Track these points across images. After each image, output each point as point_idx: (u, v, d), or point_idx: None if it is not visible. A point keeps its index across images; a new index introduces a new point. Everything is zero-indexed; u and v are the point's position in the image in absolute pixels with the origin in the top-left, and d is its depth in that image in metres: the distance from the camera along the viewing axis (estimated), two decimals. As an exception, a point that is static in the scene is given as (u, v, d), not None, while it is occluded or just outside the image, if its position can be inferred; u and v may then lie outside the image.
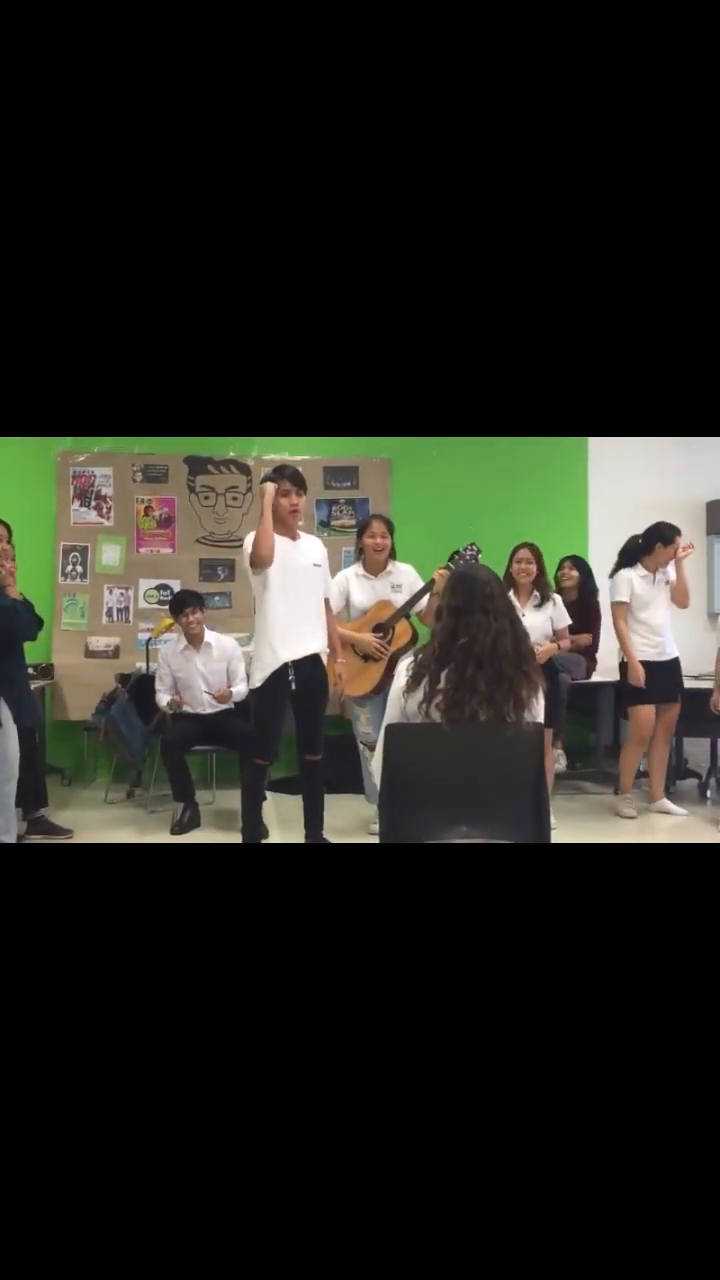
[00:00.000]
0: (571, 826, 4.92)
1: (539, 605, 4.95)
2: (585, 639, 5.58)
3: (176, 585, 6.14)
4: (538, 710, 2.48)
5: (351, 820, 4.91)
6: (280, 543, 4.10)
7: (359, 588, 4.72)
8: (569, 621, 5.15)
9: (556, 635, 4.96)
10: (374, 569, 4.73)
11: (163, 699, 5.09)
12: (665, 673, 5.10)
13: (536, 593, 4.98)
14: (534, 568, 4.95)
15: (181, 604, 5.12)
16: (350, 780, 5.18)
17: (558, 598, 5.09)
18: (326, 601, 4.36)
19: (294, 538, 4.19)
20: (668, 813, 5.09)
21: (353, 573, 4.78)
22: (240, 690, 5.07)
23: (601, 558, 6.25)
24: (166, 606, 6.04)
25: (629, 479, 6.30)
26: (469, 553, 4.69)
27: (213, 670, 5.07)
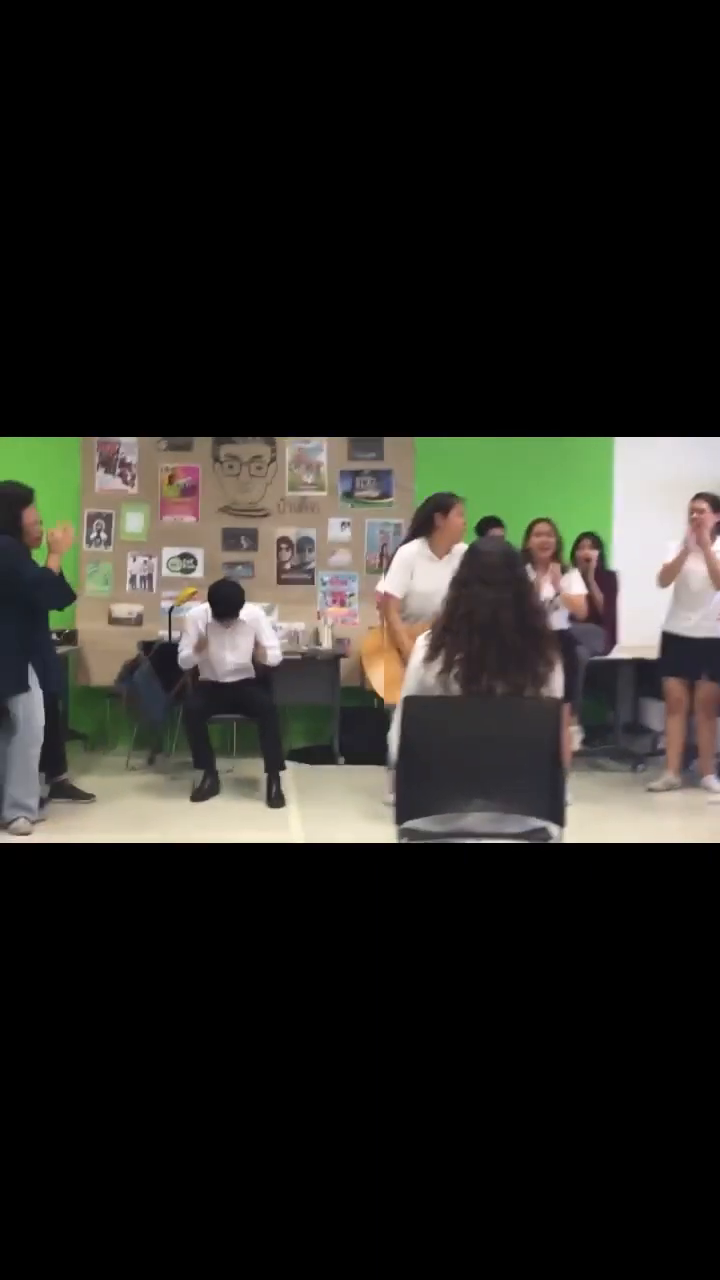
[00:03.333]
0: (588, 803, 4.94)
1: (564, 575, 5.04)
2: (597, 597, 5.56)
3: (200, 554, 6.17)
4: (556, 685, 2.49)
5: (368, 789, 4.94)
6: None
7: (424, 573, 4.28)
8: (584, 590, 5.24)
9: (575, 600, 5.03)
10: (442, 552, 4.33)
11: (186, 650, 5.05)
12: (694, 648, 5.08)
13: (556, 565, 5.04)
14: (552, 540, 5.01)
15: (231, 610, 4.96)
16: (370, 752, 5.21)
17: (574, 570, 5.17)
18: (385, 593, 4.25)
19: None
20: (709, 789, 5.08)
21: (417, 550, 4.35)
22: (275, 655, 5.09)
23: (626, 535, 6.23)
24: (190, 576, 6.09)
25: (654, 456, 6.24)
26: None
27: (240, 644, 5.08)
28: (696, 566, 5.06)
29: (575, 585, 5.12)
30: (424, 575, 4.26)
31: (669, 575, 5.09)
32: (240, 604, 4.97)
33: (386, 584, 4.38)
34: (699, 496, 5.10)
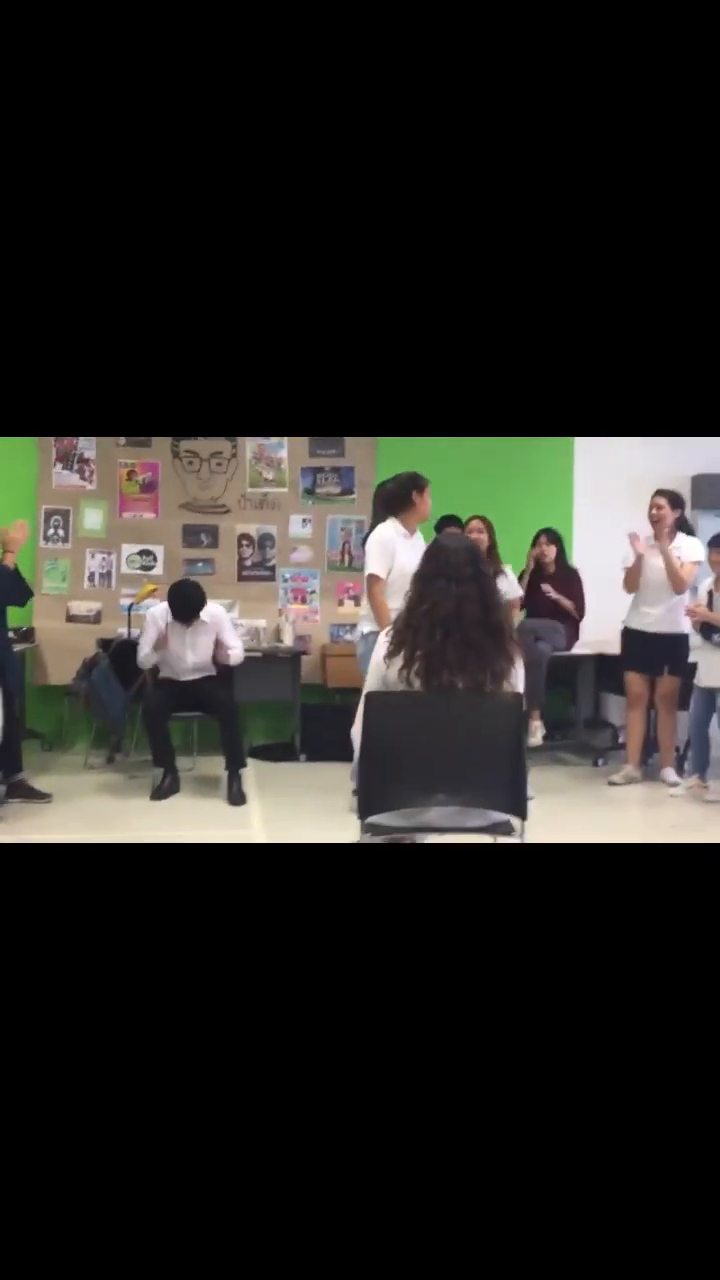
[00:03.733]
0: (549, 796, 4.96)
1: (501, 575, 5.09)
2: (568, 604, 5.61)
3: (160, 551, 6.11)
4: (516, 681, 2.49)
5: (329, 786, 4.92)
6: None
7: (403, 550, 4.29)
8: (520, 593, 5.34)
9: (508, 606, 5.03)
10: (412, 530, 4.39)
11: (145, 650, 4.99)
12: (654, 644, 5.13)
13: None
14: (485, 538, 5.08)
15: (192, 611, 4.92)
16: (332, 749, 5.20)
17: (507, 569, 5.20)
18: (371, 576, 4.25)
19: None
20: (667, 782, 5.13)
21: (394, 531, 4.36)
22: (238, 654, 5.06)
23: (586, 531, 6.26)
24: (149, 573, 6.03)
25: (614, 453, 6.29)
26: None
27: (200, 644, 5.03)
28: (656, 562, 5.10)
29: (513, 589, 5.17)
30: (402, 552, 4.28)
31: (632, 580, 5.15)
32: (200, 604, 4.92)
33: (372, 566, 4.32)
34: (659, 493, 5.15)
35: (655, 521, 5.08)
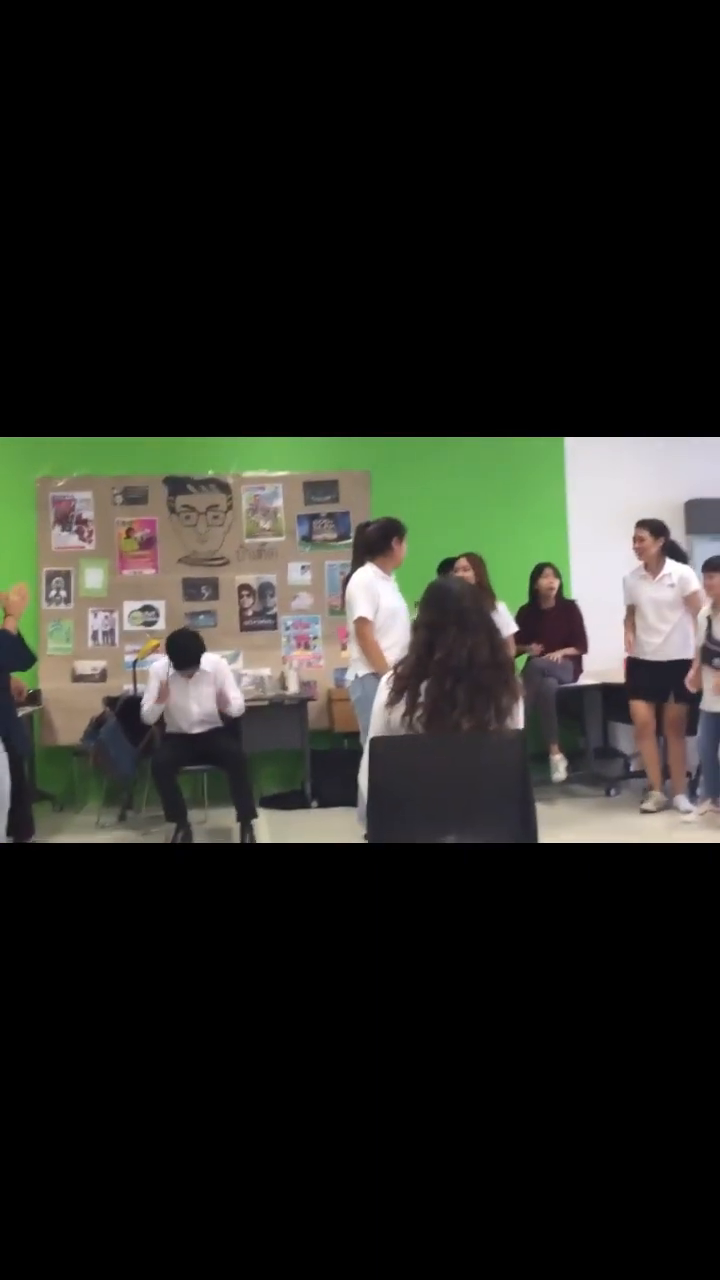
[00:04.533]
0: (563, 828, 4.94)
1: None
2: (573, 651, 5.66)
3: (161, 606, 6.15)
4: (518, 717, 2.50)
5: (342, 832, 4.91)
6: None
7: (384, 592, 4.43)
8: (515, 629, 5.33)
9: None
10: (389, 572, 4.52)
11: (148, 705, 5.01)
12: (657, 672, 5.16)
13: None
14: (471, 575, 5.09)
15: (191, 659, 4.95)
16: (342, 794, 5.19)
17: (501, 605, 5.20)
18: (360, 619, 4.34)
19: None
20: (680, 809, 5.13)
21: (374, 574, 4.47)
22: (238, 705, 5.07)
23: (581, 562, 6.29)
24: (151, 629, 6.07)
25: (606, 482, 6.34)
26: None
27: (204, 694, 5.05)
28: (650, 593, 5.13)
29: (508, 625, 5.19)
30: (385, 594, 4.43)
31: (630, 640, 5.25)
32: (199, 652, 4.94)
33: (360, 609, 4.40)
34: (640, 525, 5.20)
35: (638, 554, 5.13)
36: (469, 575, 5.12)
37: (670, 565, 5.18)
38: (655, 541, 5.15)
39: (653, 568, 5.13)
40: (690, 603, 5.09)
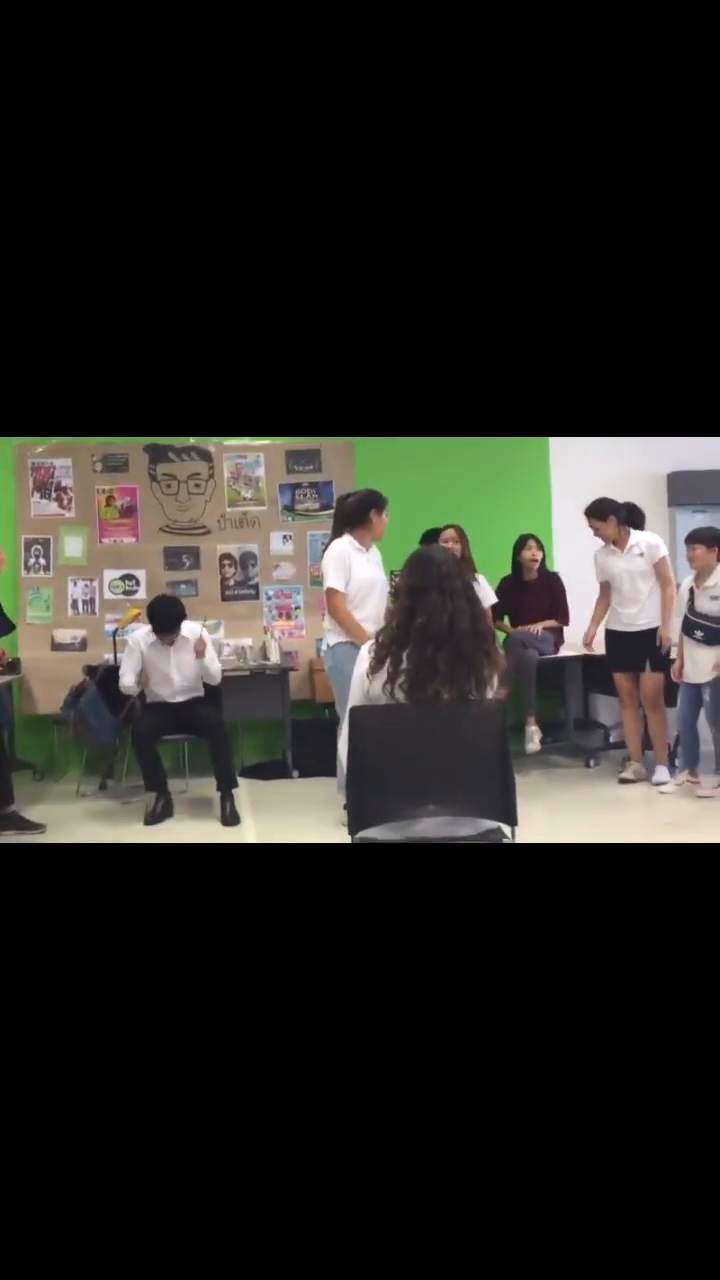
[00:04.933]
0: (543, 800, 4.97)
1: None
2: (554, 624, 5.67)
3: (142, 575, 6.11)
4: (498, 686, 2.50)
5: (323, 801, 4.92)
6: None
7: (358, 564, 4.46)
8: (494, 600, 5.43)
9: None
10: (366, 545, 4.54)
11: (128, 679, 4.99)
12: (635, 641, 5.18)
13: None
14: (459, 547, 5.14)
15: (172, 624, 4.93)
16: (323, 764, 5.20)
17: (481, 578, 5.26)
18: (330, 590, 4.39)
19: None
20: (658, 780, 5.16)
21: (348, 545, 4.50)
22: (216, 672, 5.06)
23: (565, 533, 6.29)
24: (132, 598, 6.03)
25: (590, 454, 6.32)
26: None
27: (184, 661, 5.04)
28: (624, 565, 5.19)
29: (488, 597, 5.28)
30: (358, 567, 4.46)
31: (599, 616, 5.33)
32: (179, 617, 4.93)
33: (331, 580, 4.45)
34: (587, 514, 5.24)
35: (600, 538, 5.23)
36: (456, 547, 5.12)
37: (635, 535, 5.22)
38: (607, 523, 5.19)
39: (620, 542, 5.18)
40: (659, 569, 5.12)
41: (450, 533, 5.26)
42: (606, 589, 5.31)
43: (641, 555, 5.15)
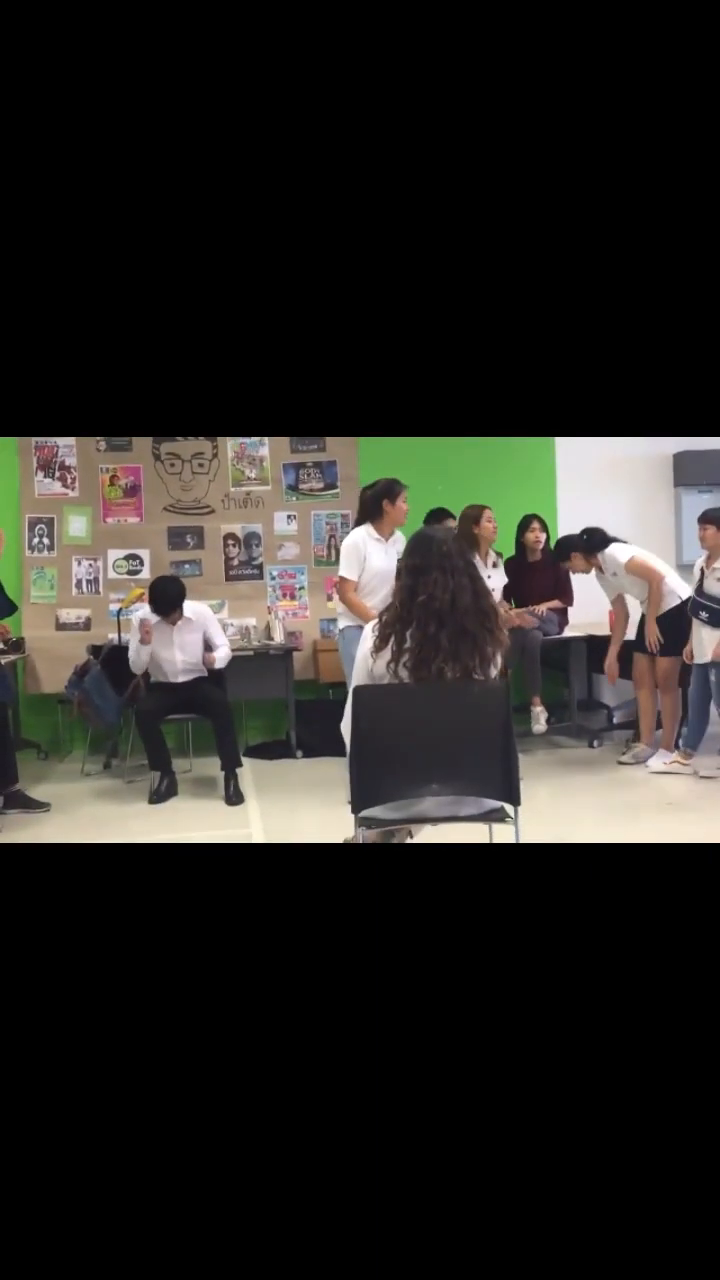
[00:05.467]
0: (545, 781, 4.98)
1: (495, 565, 5.31)
2: (558, 604, 5.67)
3: (146, 555, 6.10)
4: (501, 664, 2.50)
5: (327, 782, 4.93)
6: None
7: (374, 553, 4.54)
8: (505, 581, 5.49)
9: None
10: (387, 534, 4.60)
11: (135, 651, 4.98)
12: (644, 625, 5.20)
13: (493, 554, 5.33)
14: (493, 527, 5.26)
15: (172, 605, 4.94)
16: (326, 744, 5.21)
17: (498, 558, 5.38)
18: (341, 579, 4.51)
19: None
20: (648, 765, 5.17)
21: (366, 535, 4.58)
22: (224, 655, 5.07)
23: (569, 514, 6.27)
24: (136, 577, 6.02)
25: (593, 439, 6.29)
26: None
27: (190, 641, 5.04)
28: (614, 585, 5.28)
29: (501, 578, 5.35)
30: (374, 556, 4.54)
31: (613, 666, 5.31)
32: (180, 597, 4.93)
33: (343, 570, 4.58)
34: (556, 556, 5.46)
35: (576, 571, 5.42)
36: (491, 526, 5.24)
37: (602, 558, 5.23)
38: (574, 560, 5.31)
39: (601, 569, 5.26)
40: (635, 571, 5.13)
41: (490, 513, 5.30)
42: (619, 604, 5.35)
43: (616, 574, 5.21)
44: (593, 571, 5.31)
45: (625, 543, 5.25)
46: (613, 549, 5.21)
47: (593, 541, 5.28)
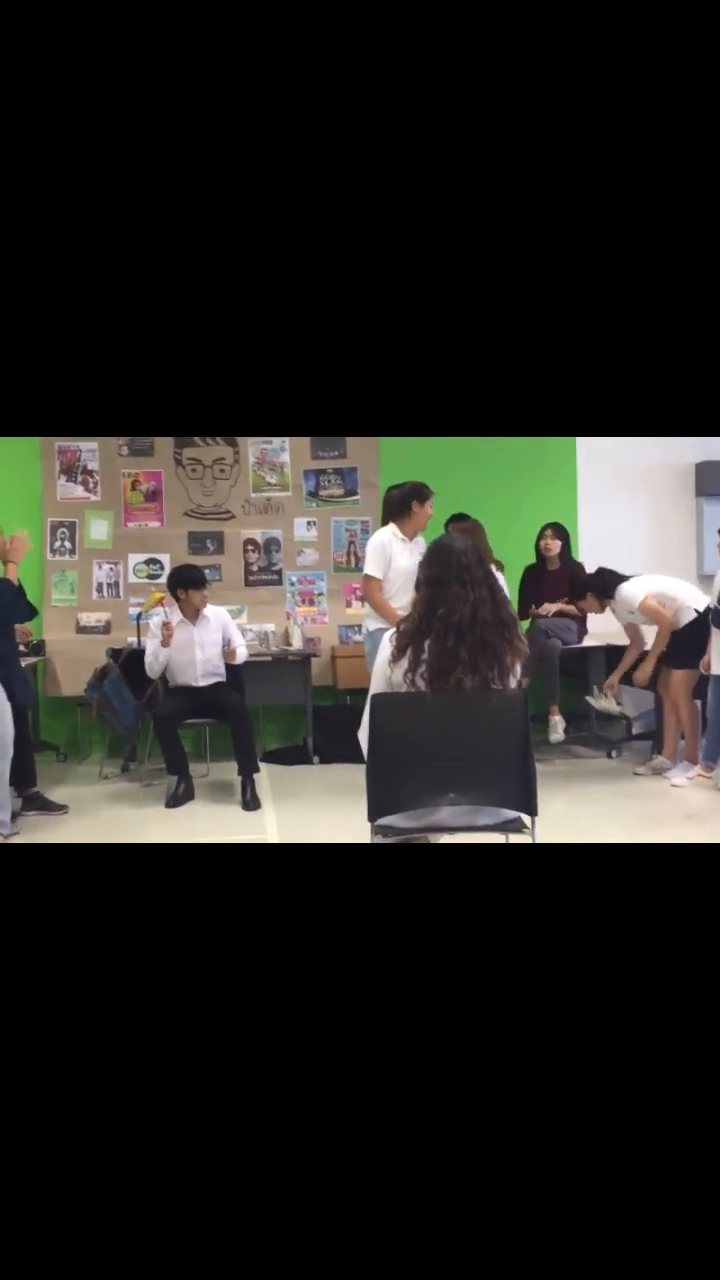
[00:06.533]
0: (563, 790, 4.96)
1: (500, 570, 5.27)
2: (573, 610, 5.64)
3: (166, 559, 6.13)
4: (520, 674, 2.49)
5: (343, 788, 4.93)
6: None
7: (400, 553, 4.61)
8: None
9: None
10: (411, 536, 4.67)
11: (151, 657, 5.03)
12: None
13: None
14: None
15: (188, 583, 5.04)
16: (344, 750, 5.20)
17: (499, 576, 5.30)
18: (366, 576, 4.59)
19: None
20: (671, 778, 5.13)
21: (391, 535, 4.67)
22: (243, 654, 5.12)
23: (590, 523, 6.25)
24: (156, 582, 6.05)
25: (617, 444, 6.27)
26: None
27: (210, 641, 5.07)
28: (624, 621, 5.28)
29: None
30: (400, 555, 4.62)
31: (614, 683, 5.36)
32: (201, 579, 5.07)
33: (369, 568, 4.67)
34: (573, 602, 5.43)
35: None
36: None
37: (616, 598, 5.21)
38: (587, 601, 5.33)
39: (607, 607, 5.28)
40: (646, 611, 5.11)
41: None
42: (632, 629, 5.32)
43: (632, 613, 5.20)
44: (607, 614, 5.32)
45: (638, 576, 5.22)
46: (626, 589, 5.18)
47: (604, 585, 5.27)
